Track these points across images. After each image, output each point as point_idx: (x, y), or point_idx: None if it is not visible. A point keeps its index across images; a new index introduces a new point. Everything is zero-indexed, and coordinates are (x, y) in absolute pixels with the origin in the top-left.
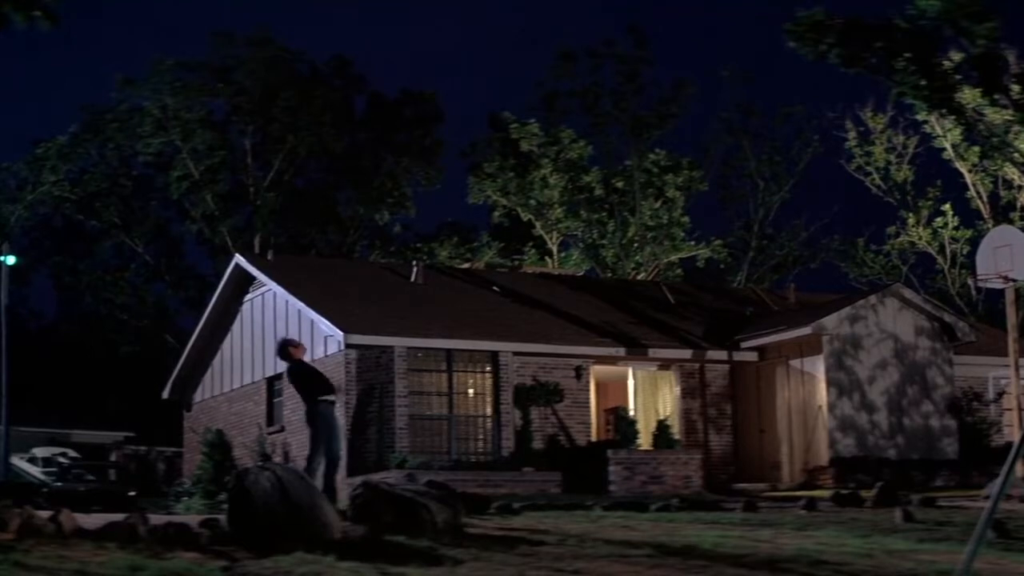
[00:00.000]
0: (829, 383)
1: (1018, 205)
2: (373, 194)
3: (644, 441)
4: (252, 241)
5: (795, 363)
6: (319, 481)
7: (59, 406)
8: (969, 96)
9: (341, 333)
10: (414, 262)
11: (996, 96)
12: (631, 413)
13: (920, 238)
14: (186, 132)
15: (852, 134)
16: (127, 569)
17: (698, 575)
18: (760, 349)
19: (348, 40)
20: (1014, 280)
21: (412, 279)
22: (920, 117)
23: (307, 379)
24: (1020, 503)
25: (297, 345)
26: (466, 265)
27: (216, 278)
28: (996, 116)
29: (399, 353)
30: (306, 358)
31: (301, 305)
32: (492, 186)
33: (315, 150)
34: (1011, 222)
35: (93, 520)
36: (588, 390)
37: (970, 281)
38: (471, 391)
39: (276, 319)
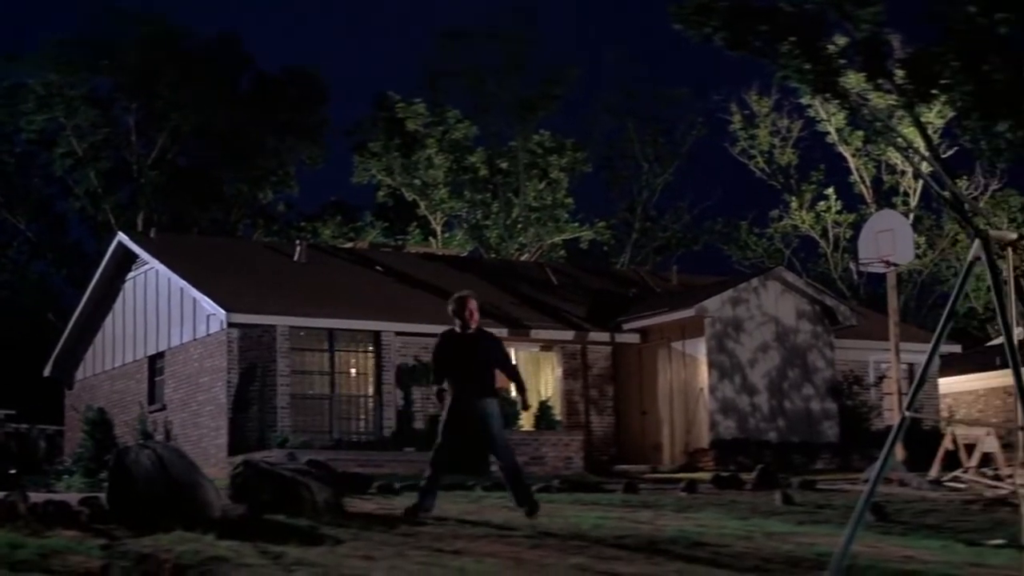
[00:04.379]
0: (711, 365)
1: (900, 190)
2: (256, 173)
3: (526, 422)
4: (135, 219)
5: (677, 345)
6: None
7: None
8: (853, 80)
9: (223, 312)
10: (297, 241)
11: (880, 81)
12: (513, 394)
13: (803, 222)
14: (70, 109)
15: (737, 117)
16: (6, 547)
17: (577, 556)
18: (642, 331)
19: (234, 17)
20: (895, 264)
21: (295, 258)
22: (804, 101)
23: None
24: (899, 487)
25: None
26: (350, 244)
27: (99, 256)
28: (880, 101)
29: (281, 332)
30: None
31: (183, 283)
32: (377, 165)
33: (199, 128)
34: (893, 207)
35: None
36: None
37: (852, 265)
38: (353, 371)
39: (158, 297)
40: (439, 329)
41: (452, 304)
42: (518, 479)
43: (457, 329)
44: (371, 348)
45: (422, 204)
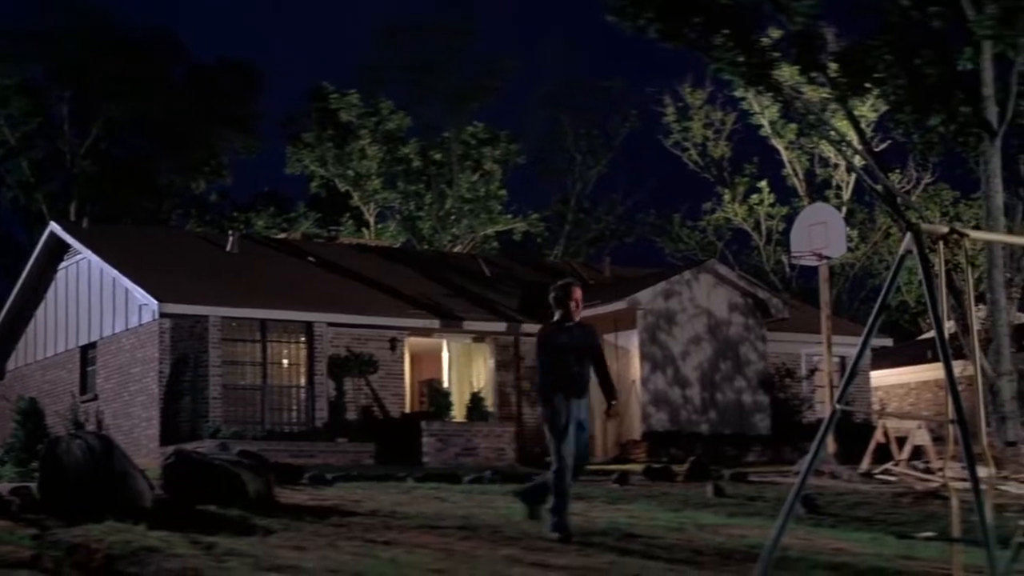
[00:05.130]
0: (643, 357)
1: (833, 183)
2: (190, 163)
3: (458, 413)
4: (68, 209)
5: (609, 337)
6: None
7: None
8: (787, 73)
9: (155, 302)
10: (230, 231)
11: (813, 74)
12: (445, 385)
13: (736, 214)
14: (1, 98)
15: (670, 109)
16: None
17: (508, 547)
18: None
19: (170, 7)
20: (828, 258)
21: (228, 248)
22: (738, 94)
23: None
24: (830, 479)
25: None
26: (282, 235)
27: (31, 246)
28: (813, 94)
29: (213, 323)
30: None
31: (116, 273)
32: (310, 156)
33: (133, 118)
34: (826, 200)
35: None
36: (403, 362)
37: (784, 258)
38: (285, 361)
39: (91, 287)
40: (372, 320)
41: (556, 291)
42: (546, 487)
43: (555, 317)
44: (303, 339)
45: (355, 195)
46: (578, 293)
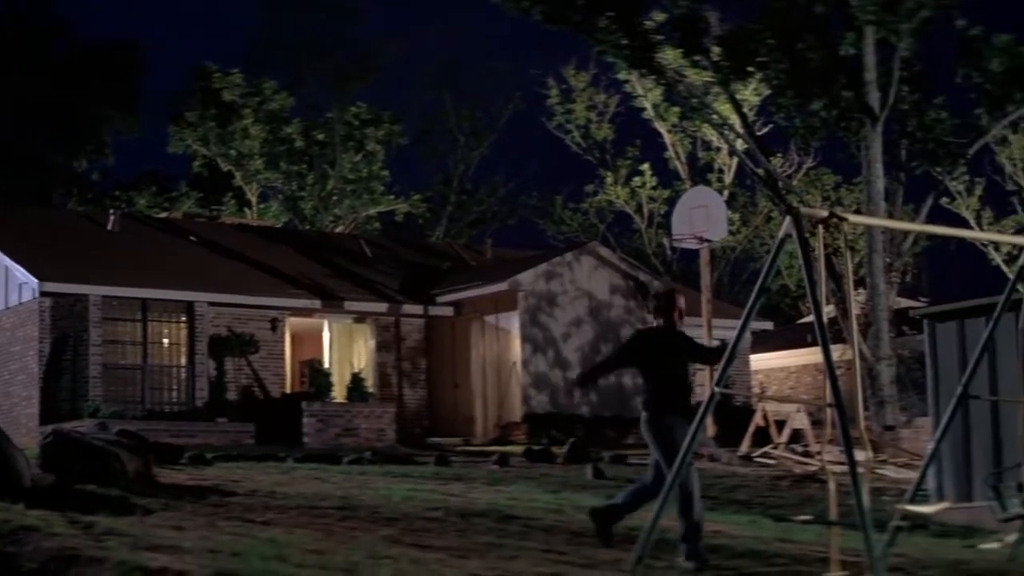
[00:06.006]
0: (524, 339)
1: (715, 167)
2: (71, 142)
3: (338, 394)
4: None
5: (490, 319)
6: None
7: None
8: (670, 56)
9: (36, 280)
10: (111, 210)
11: (697, 57)
12: (326, 365)
13: (618, 197)
14: None
15: (554, 91)
16: None
17: (387, 528)
18: (456, 304)
19: None
20: (709, 241)
21: (109, 227)
22: (621, 76)
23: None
24: (709, 462)
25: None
26: (164, 215)
27: None
28: (696, 77)
29: (94, 301)
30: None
31: None
32: (192, 135)
33: (11, 97)
34: (708, 183)
35: None
36: (283, 342)
37: (666, 241)
38: (166, 341)
39: None
40: (253, 300)
41: (657, 301)
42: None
43: (653, 323)
44: (184, 318)
45: (237, 175)
46: (682, 301)
